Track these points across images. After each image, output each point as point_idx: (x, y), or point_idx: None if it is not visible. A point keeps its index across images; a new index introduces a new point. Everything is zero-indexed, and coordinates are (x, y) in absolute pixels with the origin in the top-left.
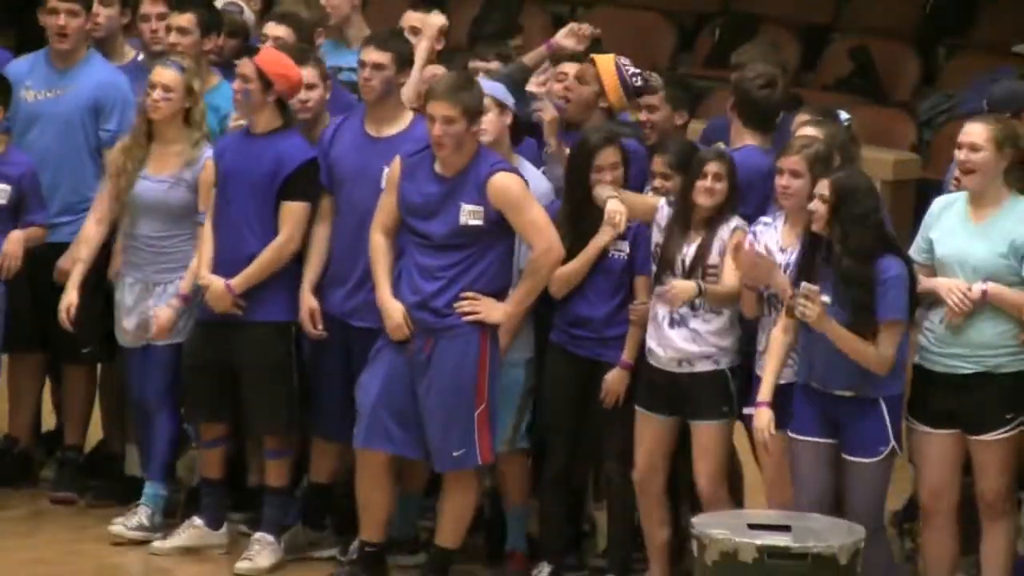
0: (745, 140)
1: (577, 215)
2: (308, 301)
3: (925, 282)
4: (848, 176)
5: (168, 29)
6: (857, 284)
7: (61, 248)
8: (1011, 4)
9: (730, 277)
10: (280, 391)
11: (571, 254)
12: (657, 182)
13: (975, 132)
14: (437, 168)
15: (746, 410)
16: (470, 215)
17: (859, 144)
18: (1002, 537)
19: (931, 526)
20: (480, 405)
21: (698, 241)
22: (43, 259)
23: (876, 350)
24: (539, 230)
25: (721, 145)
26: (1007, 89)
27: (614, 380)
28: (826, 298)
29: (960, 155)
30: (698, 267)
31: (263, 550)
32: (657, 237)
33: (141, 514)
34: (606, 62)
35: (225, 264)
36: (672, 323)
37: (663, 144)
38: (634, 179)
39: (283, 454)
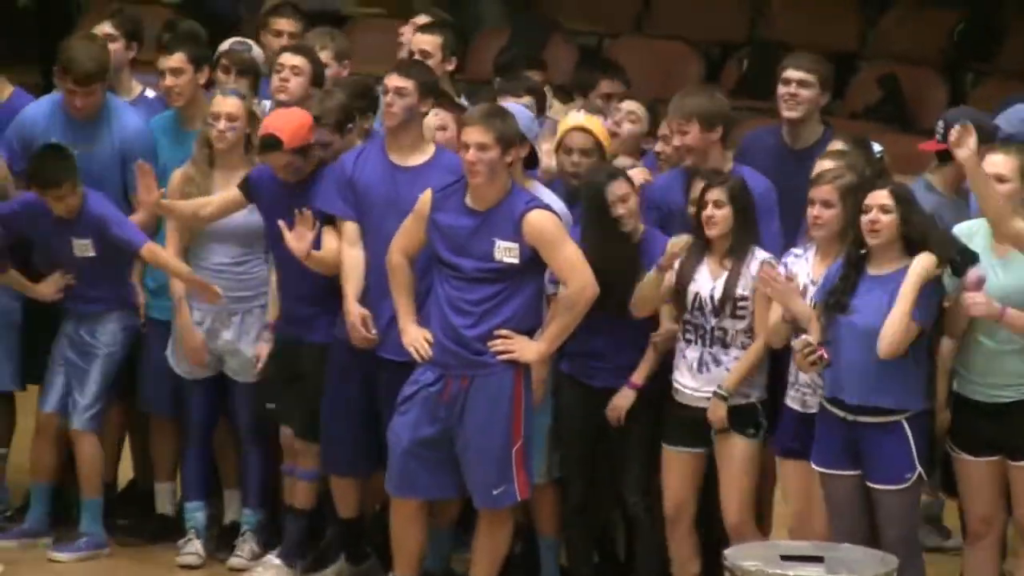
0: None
1: (598, 253)
2: (356, 309)
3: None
4: (900, 185)
5: (161, 73)
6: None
7: None
8: None
9: (763, 315)
10: None
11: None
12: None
13: (999, 163)
14: (468, 201)
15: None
16: (505, 252)
17: (890, 176)
18: None
19: (977, 549)
20: (517, 442)
21: (724, 276)
22: None
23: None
24: (574, 268)
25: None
26: (964, 115)
27: (621, 398)
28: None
29: None
30: (727, 302)
31: (267, 571)
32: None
33: (250, 541)
34: (596, 124)
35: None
36: (701, 367)
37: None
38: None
39: (315, 476)
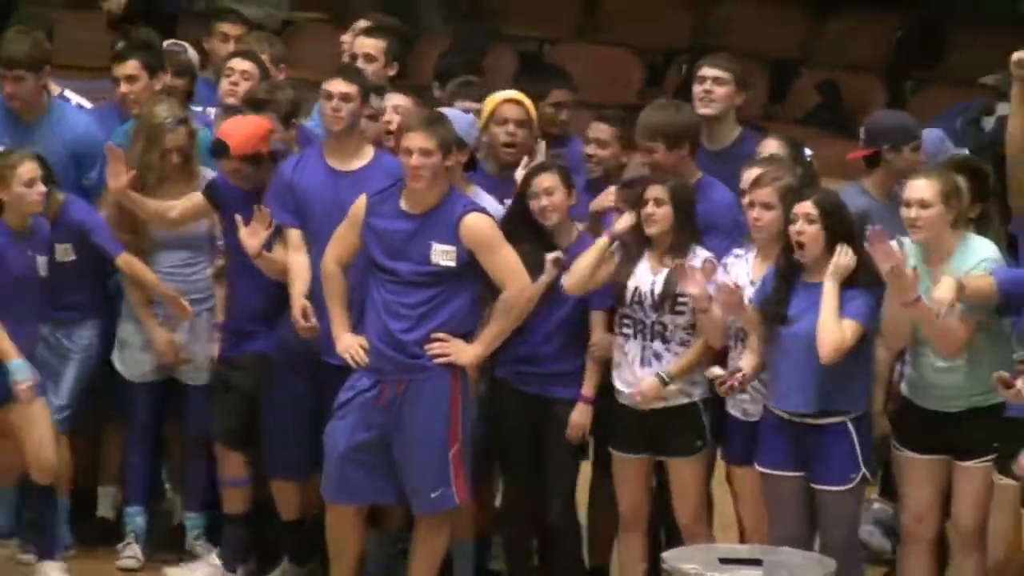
0: None
1: (515, 240)
2: (300, 301)
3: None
4: (826, 193)
5: (116, 80)
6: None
7: None
8: (977, 38)
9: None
10: None
11: None
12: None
13: (921, 187)
14: (403, 205)
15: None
16: (442, 255)
17: (819, 181)
18: (971, 572)
19: (911, 552)
20: (454, 445)
21: (664, 272)
22: None
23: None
24: (512, 271)
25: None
26: (885, 120)
27: (580, 414)
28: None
29: (911, 213)
30: (667, 298)
31: (198, 570)
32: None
33: (199, 544)
34: (525, 98)
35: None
36: (643, 361)
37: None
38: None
39: (243, 482)
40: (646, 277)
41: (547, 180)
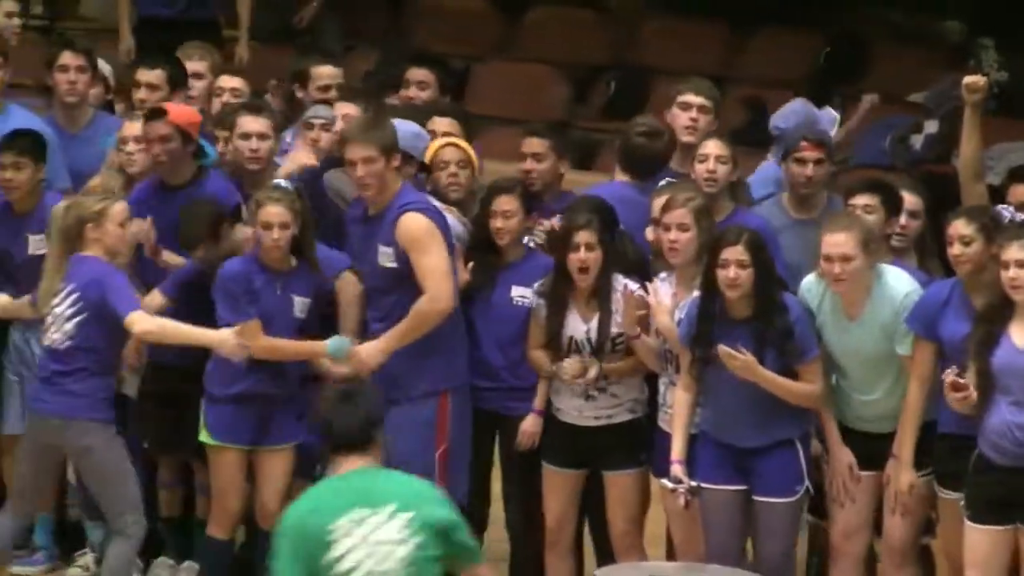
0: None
1: (469, 251)
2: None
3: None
4: (753, 233)
5: (136, 85)
6: (777, 331)
7: None
8: (902, 54)
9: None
10: None
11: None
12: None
13: (841, 242)
14: (368, 207)
15: (663, 481)
16: (385, 257)
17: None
18: None
19: (839, 568)
20: (440, 446)
21: (596, 317)
22: None
23: (812, 387)
24: (434, 276)
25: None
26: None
27: (531, 424)
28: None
29: (834, 269)
30: (604, 343)
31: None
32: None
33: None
34: (463, 140)
35: None
36: (588, 397)
37: None
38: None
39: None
40: (579, 325)
41: (506, 203)
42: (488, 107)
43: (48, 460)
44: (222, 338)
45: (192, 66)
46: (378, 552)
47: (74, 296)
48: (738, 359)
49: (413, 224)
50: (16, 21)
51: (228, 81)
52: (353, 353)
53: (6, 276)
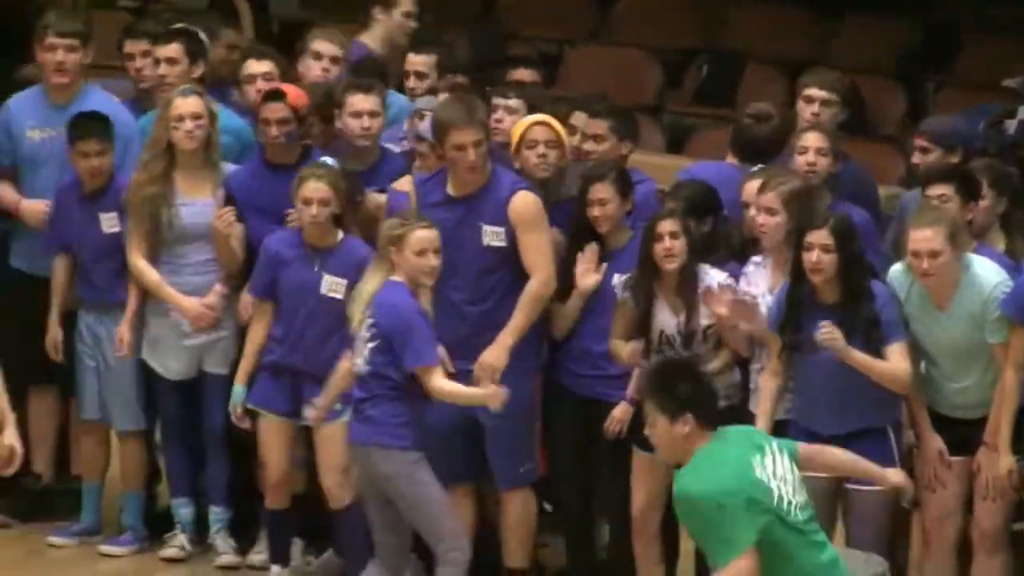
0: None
1: (573, 241)
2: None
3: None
4: (840, 218)
5: (156, 61)
6: (864, 318)
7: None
8: (995, 39)
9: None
10: None
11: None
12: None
13: (928, 238)
14: (450, 190)
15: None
16: (493, 236)
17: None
18: (996, 572)
19: (932, 553)
20: (536, 422)
21: (683, 312)
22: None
23: (902, 368)
24: (544, 258)
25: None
26: (945, 124)
27: (622, 412)
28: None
29: (923, 264)
30: (693, 339)
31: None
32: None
33: (219, 539)
34: (553, 119)
35: None
36: None
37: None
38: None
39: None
40: (669, 320)
41: (602, 191)
42: (580, 92)
43: (374, 489)
44: (485, 395)
45: (324, 48)
46: (789, 480)
47: (371, 321)
48: (836, 337)
49: (528, 202)
50: None
51: (257, 66)
52: (483, 366)
53: (80, 255)
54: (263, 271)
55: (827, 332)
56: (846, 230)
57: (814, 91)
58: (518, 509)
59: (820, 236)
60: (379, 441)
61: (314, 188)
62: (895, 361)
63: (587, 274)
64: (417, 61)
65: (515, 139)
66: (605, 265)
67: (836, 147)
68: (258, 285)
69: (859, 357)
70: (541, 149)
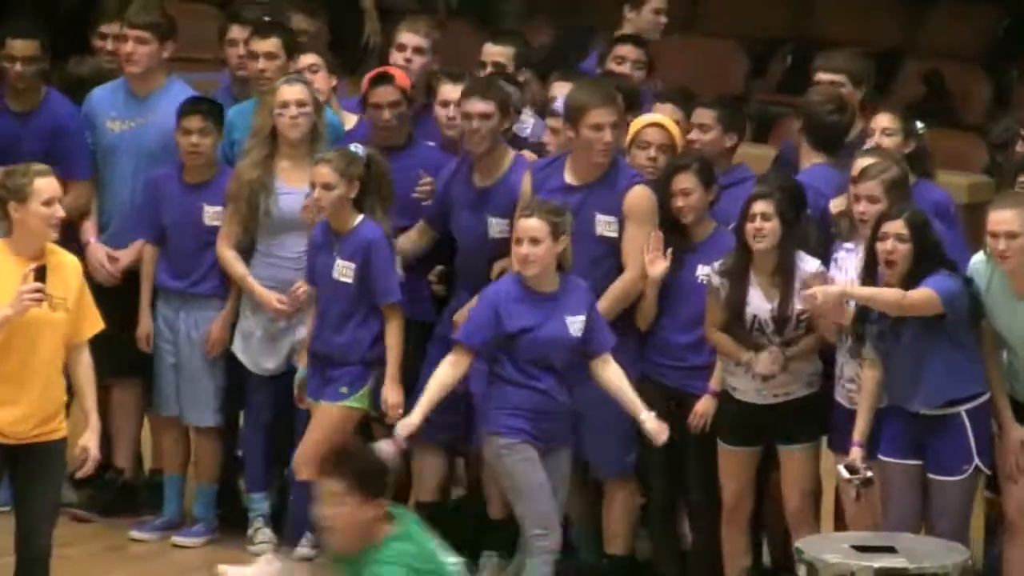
0: (813, 161)
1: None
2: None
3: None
4: (915, 211)
5: (254, 56)
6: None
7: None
8: None
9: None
10: None
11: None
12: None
13: (1007, 219)
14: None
15: (839, 468)
16: (607, 226)
17: (931, 157)
18: None
19: (1016, 543)
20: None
21: (778, 298)
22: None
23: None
24: (640, 253)
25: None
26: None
27: (705, 405)
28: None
29: (999, 246)
30: (786, 325)
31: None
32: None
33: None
34: (670, 121)
35: None
36: (767, 378)
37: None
38: None
39: None
40: (761, 304)
41: (685, 181)
42: (668, 82)
43: None
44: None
45: (407, 39)
46: None
47: None
48: (817, 294)
49: (643, 197)
50: None
51: (305, 59)
52: None
53: (173, 245)
54: (308, 258)
55: (810, 293)
56: (921, 221)
57: (821, 75)
58: (623, 498)
59: (895, 226)
60: (480, 425)
61: (318, 172)
62: (913, 295)
63: (655, 262)
64: (495, 52)
65: (628, 136)
66: (671, 251)
67: (907, 127)
68: (307, 272)
69: (867, 292)
70: (652, 152)
